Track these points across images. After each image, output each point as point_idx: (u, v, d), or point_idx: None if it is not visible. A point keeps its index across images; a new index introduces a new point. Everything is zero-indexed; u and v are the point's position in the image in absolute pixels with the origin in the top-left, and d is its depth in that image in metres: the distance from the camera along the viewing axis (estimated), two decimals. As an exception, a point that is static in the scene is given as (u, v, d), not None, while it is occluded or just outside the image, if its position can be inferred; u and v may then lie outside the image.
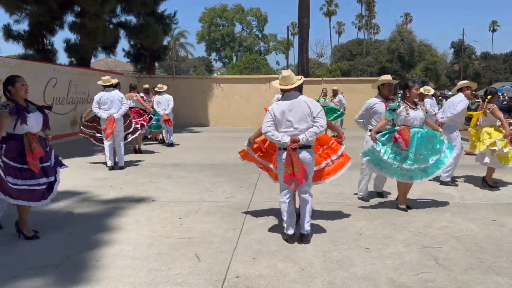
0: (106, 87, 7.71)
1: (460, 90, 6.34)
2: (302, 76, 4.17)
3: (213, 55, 62.94)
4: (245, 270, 3.30)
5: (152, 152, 10.14)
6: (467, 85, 6.32)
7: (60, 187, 4.33)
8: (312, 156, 3.98)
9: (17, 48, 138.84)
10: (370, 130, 5.28)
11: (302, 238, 3.92)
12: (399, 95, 4.90)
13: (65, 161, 4.44)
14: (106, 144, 7.68)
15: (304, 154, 3.84)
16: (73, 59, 16.40)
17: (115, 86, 7.95)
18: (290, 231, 3.96)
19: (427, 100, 7.64)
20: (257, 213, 4.87)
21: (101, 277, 3.17)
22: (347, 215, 4.80)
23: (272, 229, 4.28)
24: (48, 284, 3.08)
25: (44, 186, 3.95)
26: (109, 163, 7.72)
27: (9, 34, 15.06)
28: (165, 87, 11.20)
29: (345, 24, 72.77)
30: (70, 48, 16.02)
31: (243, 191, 5.99)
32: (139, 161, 8.63)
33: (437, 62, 50.60)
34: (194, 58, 62.95)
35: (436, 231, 4.24)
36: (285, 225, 3.99)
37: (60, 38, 60.07)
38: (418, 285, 3.05)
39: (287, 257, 3.56)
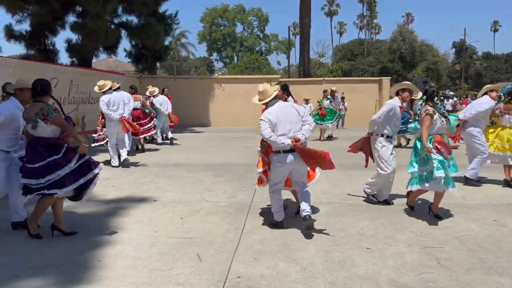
0: (106, 91, 7.82)
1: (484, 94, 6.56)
2: (278, 86, 4.53)
3: (214, 55, 63.10)
4: (246, 270, 3.30)
5: (153, 152, 10.16)
6: (490, 89, 6.54)
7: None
8: None
9: (18, 48, 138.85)
10: (382, 135, 5.06)
11: (305, 221, 3.99)
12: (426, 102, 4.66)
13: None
14: (110, 144, 7.92)
15: None
16: (74, 59, 16.39)
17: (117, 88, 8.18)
18: (280, 217, 4.31)
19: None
20: (258, 213, 4.87)
21: (103, 277, 3.18)
22: (348, 215, 4.80)
23: (274, 229, 4.28)
24: (49, 284, 3.09)
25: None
26: (114, 163, 7.93)
27: (11, 34, 15.07)
28: (157, 90, 11.38)
29: (346, 24, 72.64)
30: (71, 48, 16.02)
31: (244, 191, 5.99)
32: (141, 161, 8.63)
33: (439, 62, 50.62)
34: (196, 58, 63.02)
35: (438, 231, 4.23)
36: (275, 212, 4.31)
37: (62, 38, 60.11)
38: (419, 286, 3.05)
39: (288, 257, 3.56)
